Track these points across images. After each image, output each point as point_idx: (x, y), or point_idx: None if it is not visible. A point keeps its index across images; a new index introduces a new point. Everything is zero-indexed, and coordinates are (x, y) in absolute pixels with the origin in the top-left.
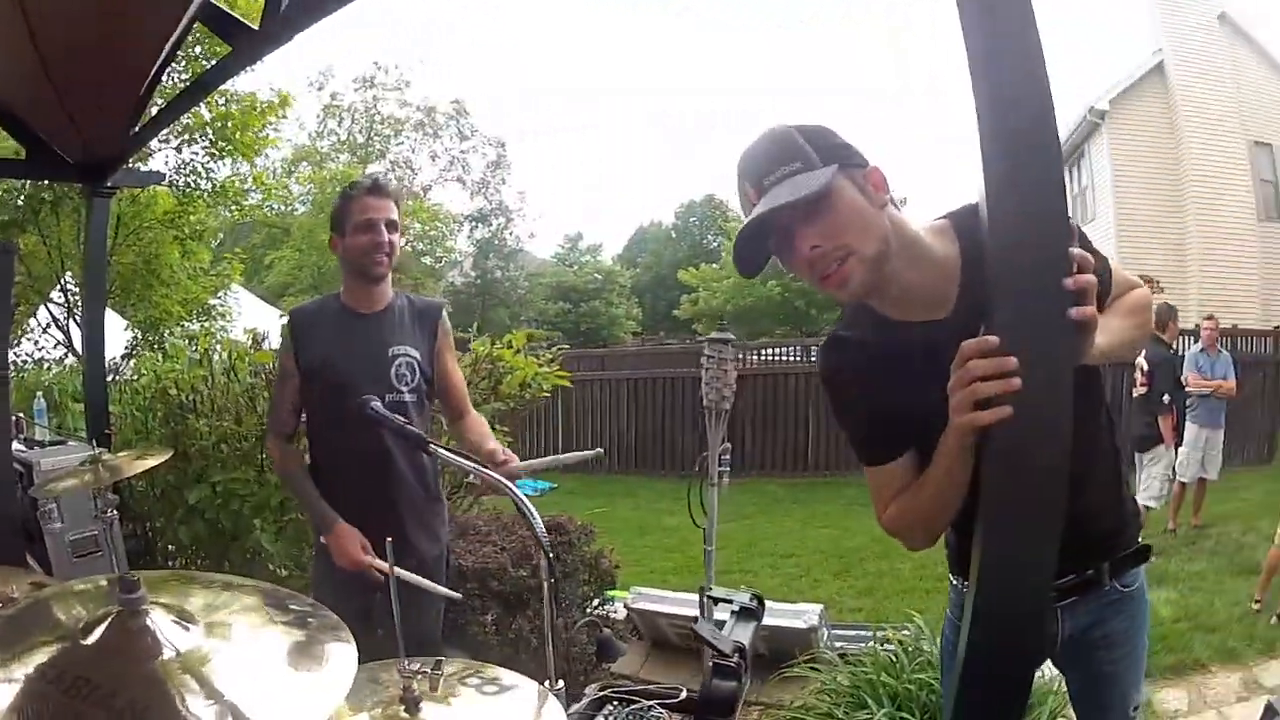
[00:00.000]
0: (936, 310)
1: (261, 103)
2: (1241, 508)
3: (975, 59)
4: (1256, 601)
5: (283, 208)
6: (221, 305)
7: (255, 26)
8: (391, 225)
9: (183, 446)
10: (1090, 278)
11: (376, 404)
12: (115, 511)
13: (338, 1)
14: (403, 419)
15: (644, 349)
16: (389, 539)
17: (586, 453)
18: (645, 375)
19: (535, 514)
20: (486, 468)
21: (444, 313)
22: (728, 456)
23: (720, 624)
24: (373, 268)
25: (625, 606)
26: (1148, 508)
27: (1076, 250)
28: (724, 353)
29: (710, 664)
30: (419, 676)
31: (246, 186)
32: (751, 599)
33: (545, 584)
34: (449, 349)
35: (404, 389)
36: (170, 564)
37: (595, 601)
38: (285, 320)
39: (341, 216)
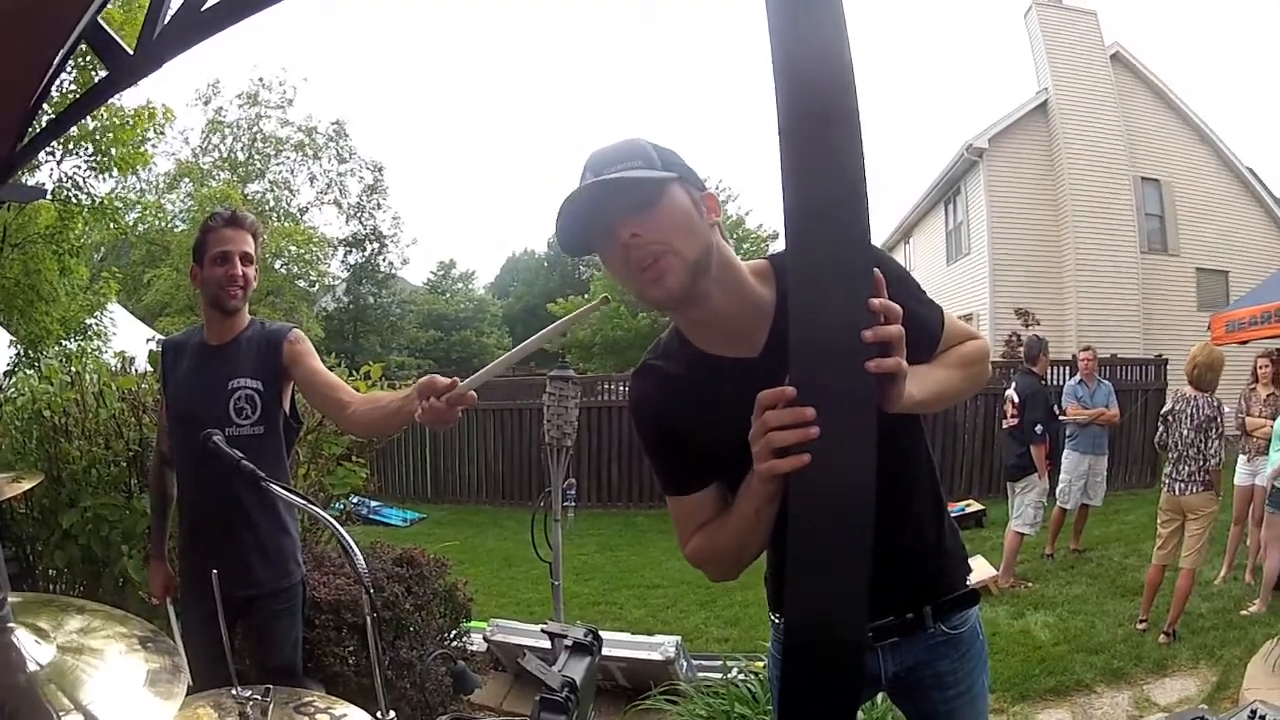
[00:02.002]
0: (746, 348)
1: (133, 113)
2: (1124, 531)
3: (782, 100)
4: (1141, 621)
5: (163, 224)
6: (98, 324)
7: (130, 51)
8: (246, 258)
9: (57, 470)
10: (893, 329)
11: (218, 438)
12: None
13: (211, 28)
14: (241, 454)
15: (513, 379)
16: (214, 571)
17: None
18: (513, 406)
19: (356, 550)
20: (312, 503)
21: (293, 331)
22: (573, 492)
23: (552, 659)
24: (226, 300)
25: (484, 639)
26: (1023, 535)
27: (878, 301)
28: (565, 389)
29: (538, 698)
30: (250, 703)
31: (123, 204)
32: (586, 634)
33: (368, 619)
34: (304, 356)
35: (244, 422)
36: (51, 587)
37: (452, 633)
38: (158, 347)
39: (200, 248)
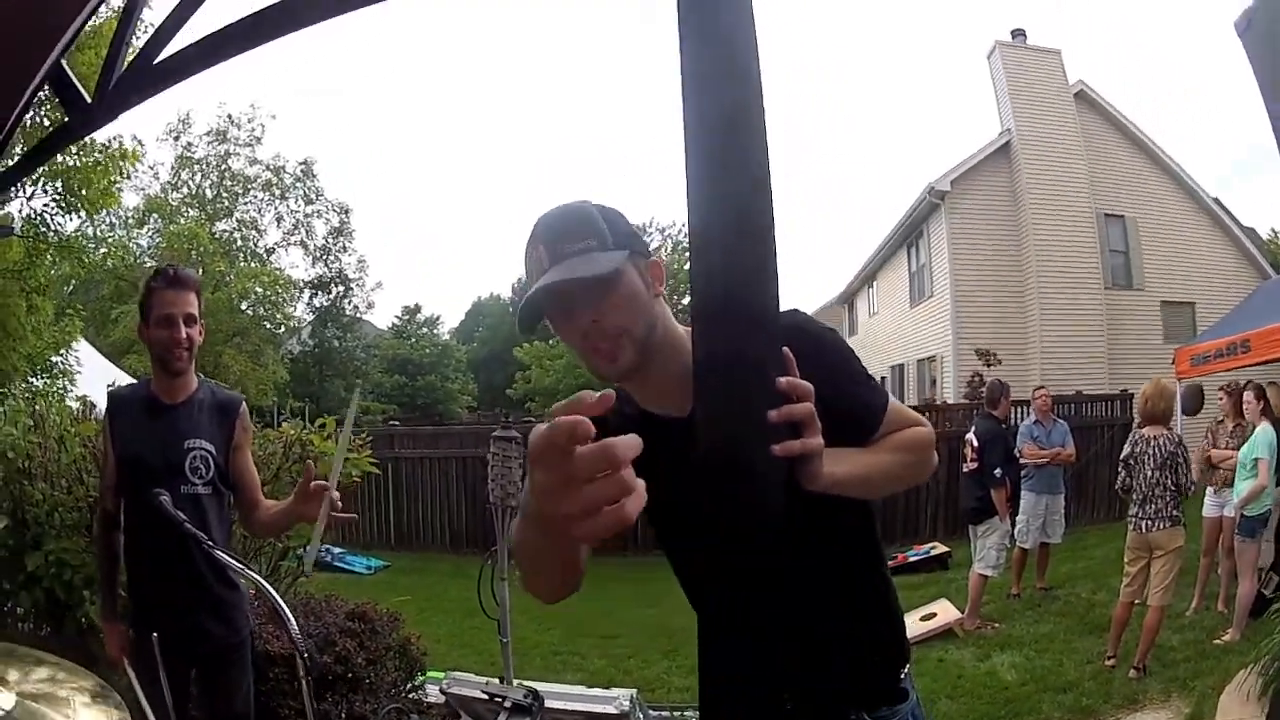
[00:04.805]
0: (681, 407)
1: (106, 155)
2: (1091, 567)
3: (692, 182)
4: (1110, 657)
5: (131, 260)
6: (64, 362)
7: (89, 99)
8: (190, 320)
9: (21, 512)
10: (800, 408)
11: (165, 498)
12: None
13: (166, 81)
14: (185, 515)
15: (478, 425)
16: (155, 634)
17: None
18: (476, 454)
19: (289, 615)
20: (250, 568)
21: (242, 407)
22: None
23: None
24: (172, 362)
25: (441, 690)
26: (986, 576)
27: (785, 380)
28: (508, 450)
29: None
30: None
31: (91, 240)
32: (525, 695)
33: (303, 682)
34: (246, 444)
35: (198, 481)
36: (21, 627)
37: (407, 686)
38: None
39: (144, 307)
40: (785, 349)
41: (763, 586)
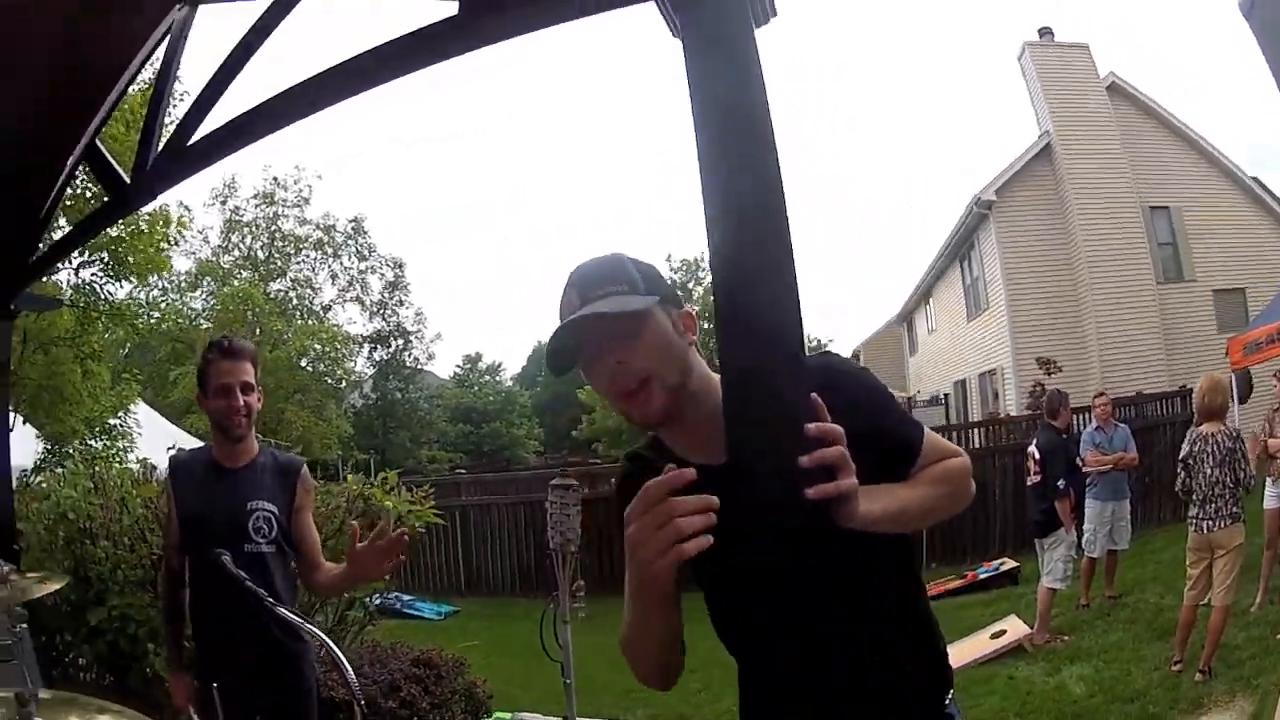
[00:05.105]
0: (715, 455)
1: (151, 224)
2: (1159, 570)
3: (715, 251)
4: (1177, 662)
5: (185, 323)
6: (122, 425)
7: (127, 179)
8: (247, 387)
9: (84, 570)
10: (831, 452)
11: (225, 557)
12: (25, 626)
13: (199, 164)
14: (249, 573)
15: (544, 470)
16: (215, 685)
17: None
18: (542, 498)
19: (347, 664)
20: (315, 619)
21: (304, 469)
22: (582, 593)
23: None
24: (233, 430)
25: None
26: (1054, 590)
27: (814, 426)
28: (566, 498)
29: None
30: None
31: (144, 304)
32: None
33: None
34: (308, 505)
35: (261, 541)
36: (83, 676)
37: None
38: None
39: (203, 378)
40: (815, 395)
41: (801, 626)
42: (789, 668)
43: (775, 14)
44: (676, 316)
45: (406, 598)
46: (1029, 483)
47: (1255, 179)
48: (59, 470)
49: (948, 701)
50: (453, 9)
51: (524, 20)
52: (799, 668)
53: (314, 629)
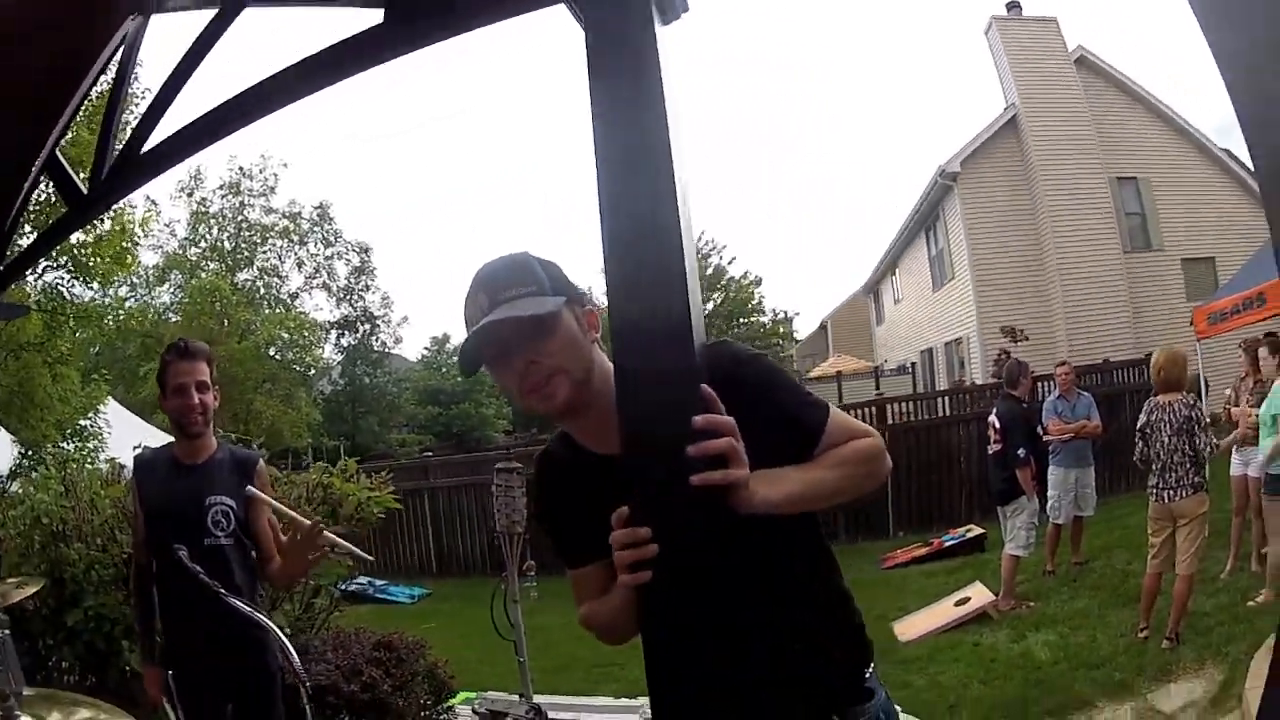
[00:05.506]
0: (616, 446)
1: (115, 224)
2: (1127, 535)
3: (606, 249)
4: (1143, 629)
5: (155, 318)
6: (93, 425)
7: (84, 190)
8: (202, 386)
9: (59, 572)
10: (718, 444)
11: (183, 552)
12: (7, 631)
13: (154, 169)
14: (209, 565)
15: (516, 448)
16: (170, 672)
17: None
18: None
19: (291, 649)
20: (260, 611)
21: (260, 465)
22: (533, 573)
23: None
24: (189, 427)
25: (473, 710)
26: (1017, 557)
27: (701, 418)
28: (510, 480)
29: None
30: None
31: (110, 308)
32: (528, 711)
33: (306, 709)
34: (265, 499)
35: (220, 535)
36: (65, 679)
37: (437, 709)
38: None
39: (161, 379)
40: (705, 386)
41: (706, 599)
42: (702, 659)
43: (687, 9)
44: (581, 315)
45: (379, 583)
46: (990, 451)
47: (1226, 150)
48: (34, 475)
49: (868, 675)
50: (378, 18)
51: (444, 27)
52: (713, 658)
53: (263, 619)
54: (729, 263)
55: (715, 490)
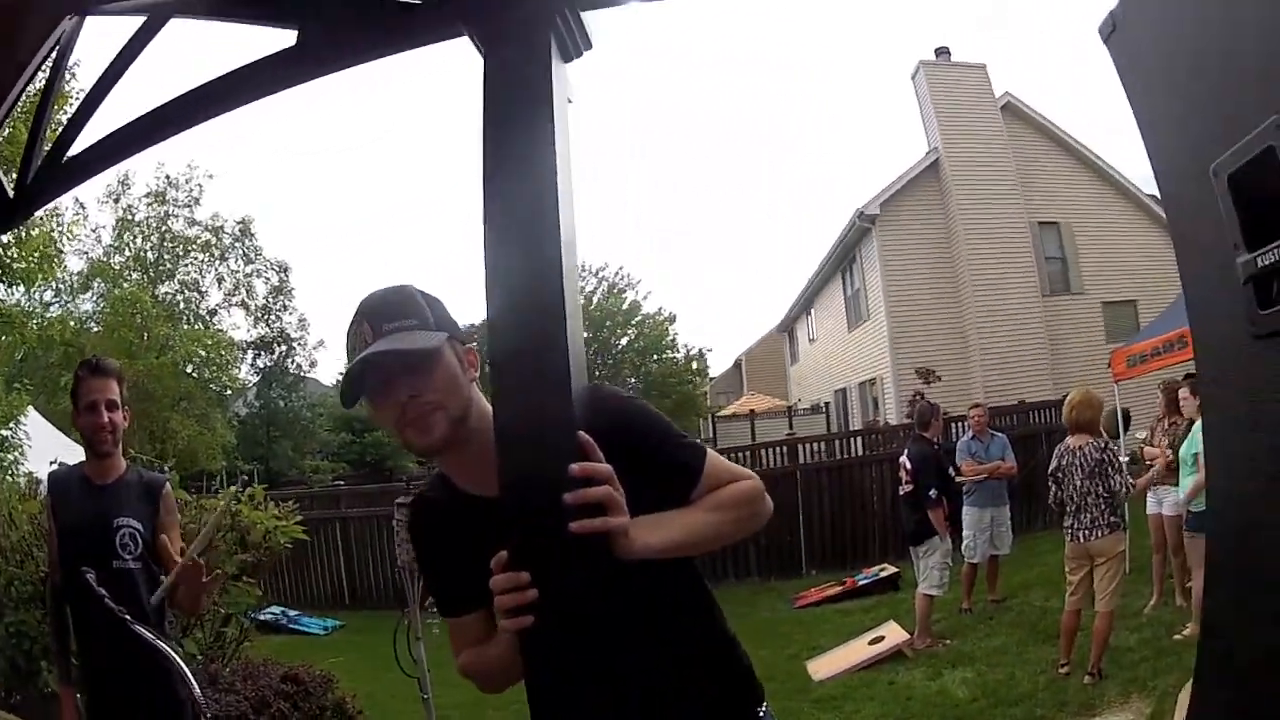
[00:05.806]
0: (495, 487)
1: (41, 228)
2: (1045, 573)
3: (488, 295)
4: (1064, 665)
5: (76, 326)
6: (13, 436)
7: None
8: (112, 405)
9: None
10: (595, 491)
11: (90, 575)
12: None
13: (79, 177)
14: (117, 589)
15: (426, 479)
16: (79, 694)
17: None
18: None
19: (191, 677)
20: (161, 640)
21: (166, 488)
22: (436, 609)
23: None
24: (99, 445)
25: None
26: (931, 596)
27: (578, 466)
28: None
29: None
30: None
31: (32, 314)
32: None
33: None
34: (171, 526)
35: (128, 558)
36: None
37: None
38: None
39: (73, 395)
40: (582, 434)
41: (588, 644)
42: (585, 704)
43: (590, 46)
44: (462, 352)
45: (292, 613)
46: (901, 492)
47: (1153, 196)
48: None
49: (761, 713)
50: (291, 40)
51: (354, 54)
52: (596, 703)
53: (165, 647)
54: (644, 298)
55: (596, 536)
